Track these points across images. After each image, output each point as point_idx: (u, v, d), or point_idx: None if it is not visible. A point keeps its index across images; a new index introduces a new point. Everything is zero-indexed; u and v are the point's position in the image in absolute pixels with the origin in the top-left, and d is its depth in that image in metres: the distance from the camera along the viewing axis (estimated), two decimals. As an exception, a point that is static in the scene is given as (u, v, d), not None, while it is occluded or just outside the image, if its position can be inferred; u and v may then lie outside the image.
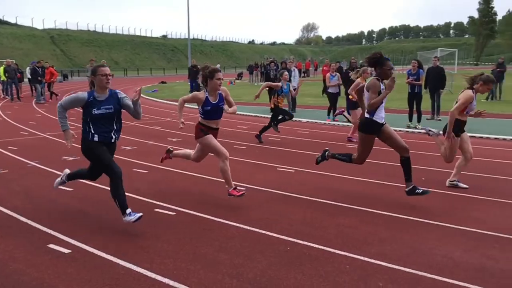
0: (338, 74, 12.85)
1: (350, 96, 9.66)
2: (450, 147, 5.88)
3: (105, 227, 4.51)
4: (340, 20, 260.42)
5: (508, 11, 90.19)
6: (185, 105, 5.52)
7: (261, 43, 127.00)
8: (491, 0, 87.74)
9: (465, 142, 5.92)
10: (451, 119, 5.68)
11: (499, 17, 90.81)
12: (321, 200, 5.42)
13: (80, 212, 4.99)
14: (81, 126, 4.53)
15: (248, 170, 7.06)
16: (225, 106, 5.45)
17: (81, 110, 4.51)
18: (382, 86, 5.19)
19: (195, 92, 5.35)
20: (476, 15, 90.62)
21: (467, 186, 5.90)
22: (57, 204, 5.30)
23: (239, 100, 20.26)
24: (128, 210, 4.30)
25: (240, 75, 42.57)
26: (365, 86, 5.33)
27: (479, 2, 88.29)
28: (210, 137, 5.29)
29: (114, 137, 4.57)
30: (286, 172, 6.93)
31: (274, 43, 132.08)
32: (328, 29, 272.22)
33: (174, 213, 4.94)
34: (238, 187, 5.24)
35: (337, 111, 11.59)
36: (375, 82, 5.18)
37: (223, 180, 5.34)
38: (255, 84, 32.59)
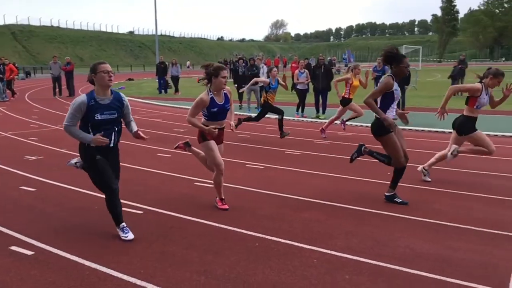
0: (306, 71, 12.97)
1: (342, 94, 9.75)
2: (477, 142, 5.78)
3: (69, 228, 4.42)
4: (309, 17, 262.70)
5: (470, 9, 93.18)
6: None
7: (230, 40, 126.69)
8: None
9: (483, 140, 5.77)
10: (448, 92, 5.77)
11: (461, 15, 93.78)
12: (289, 196, 5.48)
13: (44, 213, 4.87)
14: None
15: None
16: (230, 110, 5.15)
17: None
18: (396, 86, 4.94)
19: (197, 100, 4.85)
20: (439, 13, 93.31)
21: (429, 180, 6.06)
22: (19, 205, 5.15)
23: (208, 97, 20.16)
24: (123, 225, 4.14)
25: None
26: (379, 84, 5.08)
27: (442, 1, 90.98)
28: (212, 143, 4.94)
29: (114, 140, 4.13)
30: (254, 169, 6.97)
31: (243, 40, 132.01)
32: (296, 26, 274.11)
33: (142, 212, 4.89)
34: (224, 202, 5.04)
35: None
36: (388, 80, 4.91)
37: (192, 178, 5.32)
38: (224, 81, 32.47)
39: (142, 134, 4.28)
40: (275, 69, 9.91)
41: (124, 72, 52.61)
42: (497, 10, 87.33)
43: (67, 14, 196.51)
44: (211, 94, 4.85)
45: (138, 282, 3.31)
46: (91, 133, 3.97)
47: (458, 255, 3.77)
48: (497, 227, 4.39)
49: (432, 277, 3.37)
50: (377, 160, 5.37)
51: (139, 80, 35.09)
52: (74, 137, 3.98)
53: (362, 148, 5.50)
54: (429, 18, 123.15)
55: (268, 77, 9.65)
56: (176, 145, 5.64)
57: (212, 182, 5.05)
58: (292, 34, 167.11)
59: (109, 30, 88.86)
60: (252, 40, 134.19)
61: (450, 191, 5.66)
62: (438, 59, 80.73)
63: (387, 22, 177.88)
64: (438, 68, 50.06)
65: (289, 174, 6.60)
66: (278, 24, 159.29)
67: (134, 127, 4.36)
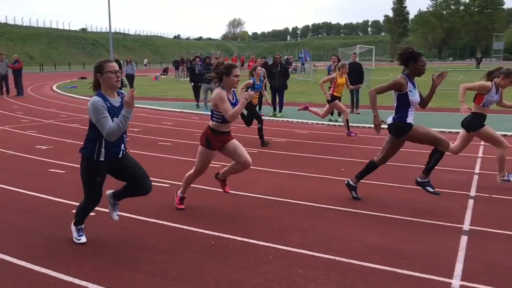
0: (263, 69, 13.03)
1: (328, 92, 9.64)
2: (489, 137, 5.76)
3: (16, 232, 4.23)
4: (266, 16, 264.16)
5: (419, 10, 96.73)
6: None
7: (187, 38, 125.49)
8: (404, 0, 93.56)
9: (491, 135, 5.75)
10: (461, 91, 5.71)
11: (411, 16, 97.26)
12: (246, 194, 5.49)
13: (-11, 218, 4.64)
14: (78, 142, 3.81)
15: (172, 166, 6.97)
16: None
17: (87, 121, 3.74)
18: (411, 87, 4.77)
19: (219, 96, 4.47)
20: (391, 14, 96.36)
21: None
22: (-39, 210, 4.87)
23: (164, 95, 19.89)
24: (82, 227, 3.98)
25: (165, 71, 41.75)
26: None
27: (393, 2, 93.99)
28: (211, 156, 4.76)
29: (123, 149, 3.81)
30: (211, 167, 6.92)
31: (200, 38, 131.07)
32: (254, 25, 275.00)
33: (94, 213, 4.73)
34: (181, 203, 4.96)
35: (302, 107, 11.11)
36: (399, 79, 4.77)
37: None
38: (181, 79, 32.15)
39: (130, 95, 3.52)
40: (259, 68, 9.35)
41: (76, 70, 50.88)
42: (444, 12, 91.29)
43: (16, 10, 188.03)
44: (224, 91, 4.55)
45: (90, 285, 3.21)
46: (102, 144, 3.63)
47: (408, 247, 3.91)
48: (444, 219, 4.58)
49: (384, 269, 3.48)
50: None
51: (92, 79, 34.00)
52: (123, 129, 3.54)
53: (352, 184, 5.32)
54: (381, 19, 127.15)
55: (253, 76, 9.10)
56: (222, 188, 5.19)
57: (186, 178, 4.92)
58: (250, 33, 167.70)
59: (60, 27, 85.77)
60: (210, 39, 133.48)
61: (401, 185, 5.86)
62: (391, 59, 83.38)
63: (342, 22, 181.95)
64: (391, 68, 51.66)
65: (246, 172, 6.61)
66: (236, 23, 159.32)
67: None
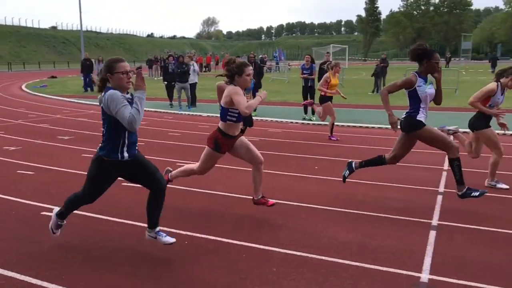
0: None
1: (321, 93, 9.31)
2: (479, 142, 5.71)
3: (-17, 236, 4.11)
4: (240, 15, 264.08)
5: (391, 10, 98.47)
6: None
7: (161, 37, 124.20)
8: (376, 0, 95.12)
9: (490, 139, 5.61)
10: (474, 106, 5.54)
11: (383, 16, 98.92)
12: (219, 193, 5.49)
13: (-47, 221, 4.49)
14: (90, 149, 3.63)
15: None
16: None
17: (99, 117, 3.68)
18: (421, 81, 4.69)
19: (236, 91, 4.31)
20: (364, 14, 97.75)
21: (507, 187, 5.67)
22: None
23: (137, 95, 19.60)
24: (62, 222, 3.86)
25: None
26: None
27: (366, 2, 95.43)
28: (217, 156, 4.58)
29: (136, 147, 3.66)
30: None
31: (174, 37, 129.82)
32: (228, 24, 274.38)
33: (64, 215, 4.66)
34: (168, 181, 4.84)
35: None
36: (410, 77, 4.70)
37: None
38: (155, 78, 31.78)
39: (139, 76, 3.42)
40: (251, 68, 9.18)
41: (46, 69, 49.67)
42: (415, 12, 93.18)
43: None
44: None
45: (59, 288, 3.16)
46: (125, 143, 3.49)
47: (377, 243, 3.98)
48: (413, 215, 4.69)
49: (355, 264, 3.54)
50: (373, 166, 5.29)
51: (63, 78, 33.33)
52: (141, 115, 3.35)
53: (353, 165, 5.35)
54: (354, 19, 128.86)
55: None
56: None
57: (184, 167, 4.89)
58: (224, 32, 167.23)
59: (29, 25, 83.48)
60: (184, 37, 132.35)
61: (370, 182, 5.97)
62: (363, 58, 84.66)
63: (316, 22, 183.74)
64: (363, 67, 52.42)
65: (218, 172, 6.61)
66: (210, 22, 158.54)
67: None
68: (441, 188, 5.69)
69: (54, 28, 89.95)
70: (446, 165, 6.90)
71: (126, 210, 4.82)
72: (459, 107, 13.78)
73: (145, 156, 3.81)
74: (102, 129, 3.55)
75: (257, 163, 4.58)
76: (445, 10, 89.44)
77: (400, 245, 3.93)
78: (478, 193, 4.73)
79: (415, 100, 4.77)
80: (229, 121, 4.39)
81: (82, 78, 22.24)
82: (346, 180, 5.42)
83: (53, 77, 33.50)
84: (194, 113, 13.31)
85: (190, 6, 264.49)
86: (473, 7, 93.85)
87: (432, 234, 4.18)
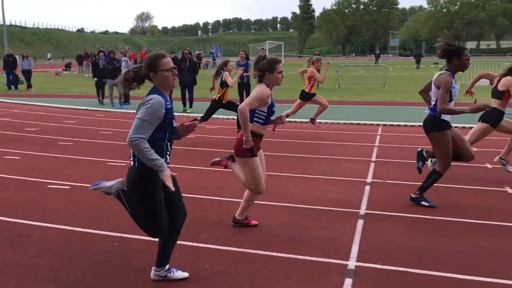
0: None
1: (306, 89, 9.01)
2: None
3: None
4: (175, 10, 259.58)
5: (324, 8, 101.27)
6: None
7: (92, 32, 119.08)
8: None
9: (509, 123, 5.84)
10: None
11: (317, 14, 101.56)
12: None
13: None
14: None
15: (72, 167, 6.56)
16: None
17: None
18: (453, 82, 4.47)
19: (261, 90, 3.91)
20: (298, 11, 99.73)
21: None
22: None
23: (67, 92, 18.70)
24: (164, 268, 3.26)
25: (68, 66, 39.30)
26: (434, 81, 4.57)
27: (300, 0, 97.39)
28: (257, 160, 3.98)
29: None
30: (116, 166, 6.66)
31: (106, 32, 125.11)
32: (163, 19, 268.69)
33: (-18, 222, 4.33)
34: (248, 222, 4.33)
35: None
36: (447, 78, 4.43)
37: (44, 181, 4.86)
38: (86, 75, 30.43)
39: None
40: (230, 63, 8.81)
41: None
42: (346, 10, 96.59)
43: None
44: (269, 90, 3.97)
45: (-26, 301, 2.93)
46: (168, 151, 3.03)
47: (310, 234, 4.08)
48: (344, 205, 4.85)
49: (288, 257, 3.60)
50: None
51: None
52: (142, 156, 2.79)
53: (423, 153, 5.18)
54: (289, 16, 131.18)
55: (220, 73, 8.47)
56: (216, 160, 4.37)
57: (243, 198, 4.24)
58: (159, 27, 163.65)
59: None
60: (117, 33, 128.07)
61: (305, 176, 6.09)
62: (299, 55, 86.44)
63: (252, 18, 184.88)
64: (300, 63, 53.53)
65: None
66: (144, 17, 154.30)
67: None
68: (369, 179, 5.93)
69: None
70: (373, 157, 7.20)
71: (53, 213, 4.56)
72: (387, 101, 14.50)
73: (75, 157, 3.61)
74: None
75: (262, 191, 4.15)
76: (374, 8, 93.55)
77: (332, 235, 4.05)
78: (428, 204, 4.77)
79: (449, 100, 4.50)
80: (256, 123, 3.99)
81: (5, 75, 20.79)
82: (283, 173, 5.44)
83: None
84: (127, 111, 12.90)
85: (123, 0, 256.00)
86: (399, 6, 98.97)
87: (360, 223, 4.34)
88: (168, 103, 2.94)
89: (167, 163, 3.00)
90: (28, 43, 79.21)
